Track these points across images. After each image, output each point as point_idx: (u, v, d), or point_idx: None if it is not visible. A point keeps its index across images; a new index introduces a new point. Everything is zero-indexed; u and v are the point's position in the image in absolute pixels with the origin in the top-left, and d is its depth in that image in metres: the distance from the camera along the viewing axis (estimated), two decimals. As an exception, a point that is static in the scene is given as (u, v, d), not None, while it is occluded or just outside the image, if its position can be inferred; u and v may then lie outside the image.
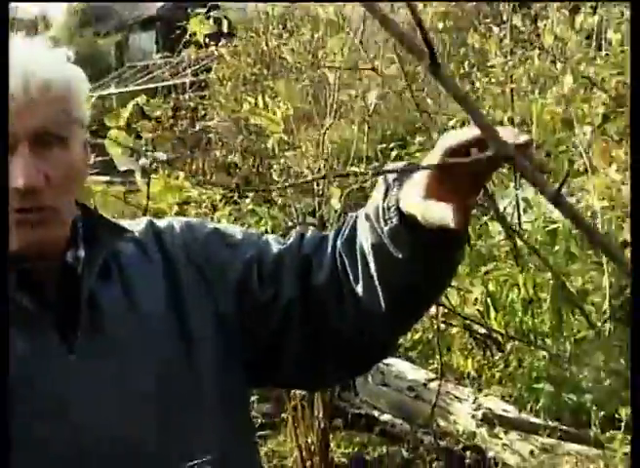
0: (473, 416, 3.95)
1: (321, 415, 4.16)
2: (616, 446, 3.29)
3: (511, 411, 4.08)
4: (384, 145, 5.01)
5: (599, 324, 4.09)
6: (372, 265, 1.24)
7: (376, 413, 4.72)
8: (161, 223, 1.44)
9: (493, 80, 5.67)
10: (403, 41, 0.79)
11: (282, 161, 5.12)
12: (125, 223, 1.41)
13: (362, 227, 1.26)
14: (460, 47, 7.14)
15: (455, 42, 6.70)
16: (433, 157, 1.12)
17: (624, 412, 3.35)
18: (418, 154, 4.79)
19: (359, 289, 1.27)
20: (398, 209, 1.18)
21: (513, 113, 5.12)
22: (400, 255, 1.20)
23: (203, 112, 7.59)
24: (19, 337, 1.24)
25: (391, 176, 1.21)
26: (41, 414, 1.23)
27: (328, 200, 4.22)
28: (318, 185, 4.62)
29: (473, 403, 4.19)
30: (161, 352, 1.31)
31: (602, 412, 3.52)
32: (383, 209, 1.20)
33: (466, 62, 6.11)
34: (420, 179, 1.14)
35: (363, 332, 1.31)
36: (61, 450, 1.22)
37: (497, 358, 4.61)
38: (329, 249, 1.31)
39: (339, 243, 1.30)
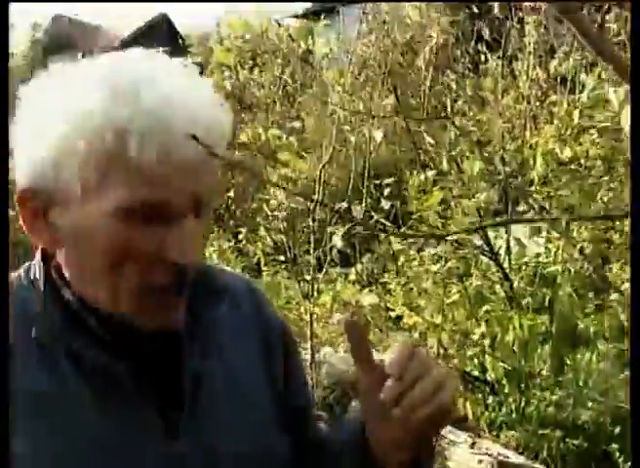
0: (480, 461, 3.83)
1: None
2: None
3: (512, 457, 3.97)
4: (379, 181, 4.93)
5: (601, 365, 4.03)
6: None
7: None
8: (260, 291, 1.34)
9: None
10: None
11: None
12: (223, 279, 1.25)
13: None
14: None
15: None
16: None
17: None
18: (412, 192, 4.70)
19: None
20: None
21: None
22: None
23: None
24: (106, 411, 1.08)
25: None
26: None
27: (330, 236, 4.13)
28: (313, 222, 4.51)
29: (471, 447, 4.08)
30: (262, 440, 1.20)
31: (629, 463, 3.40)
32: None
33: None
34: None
35: None
36: None
37: (489, 401, 4.51)
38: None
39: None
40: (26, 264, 1.18)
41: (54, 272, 1.13)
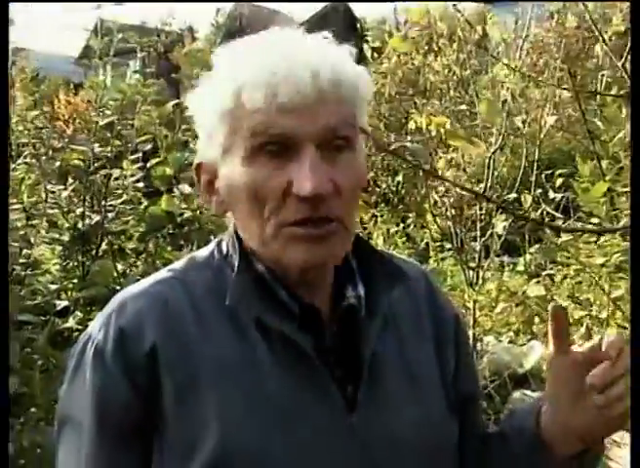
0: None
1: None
2: None
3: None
4: (551, 172, 4.81)
5: None
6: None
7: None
8: (432, 279, 1.35)
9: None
10: None
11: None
12: (397, 263, 1.26)
13: None
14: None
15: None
16: None
17: None
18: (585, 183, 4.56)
19: None
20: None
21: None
22: None
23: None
24: (291, 379, 1.12)
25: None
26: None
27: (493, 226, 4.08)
28: (480, 210, 4.47)
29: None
30: (431, 424, 1.21)
31: None
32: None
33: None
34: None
35: None
36: None
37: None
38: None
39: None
40: (216, 239, 1.24)
41: (245, 245, 1.18)
